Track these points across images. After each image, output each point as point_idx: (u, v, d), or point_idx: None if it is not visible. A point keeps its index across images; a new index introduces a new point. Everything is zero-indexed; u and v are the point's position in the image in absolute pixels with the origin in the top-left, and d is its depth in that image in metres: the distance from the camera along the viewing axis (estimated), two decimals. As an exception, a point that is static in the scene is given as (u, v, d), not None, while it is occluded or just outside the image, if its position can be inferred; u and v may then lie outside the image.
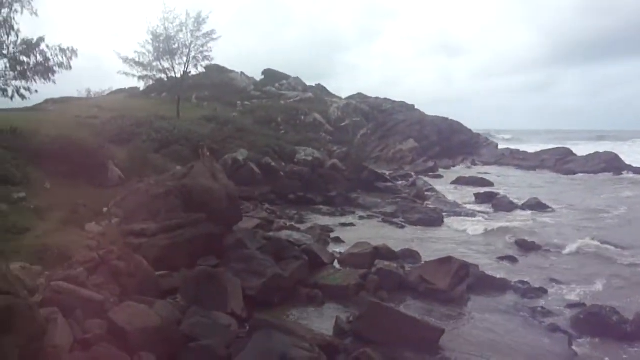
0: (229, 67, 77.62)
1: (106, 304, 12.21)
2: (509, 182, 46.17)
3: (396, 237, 23.66)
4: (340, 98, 79.64)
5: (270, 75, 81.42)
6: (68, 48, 27.51)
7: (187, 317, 12.54)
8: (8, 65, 26.35)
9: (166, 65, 47.21)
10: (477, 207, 32.39)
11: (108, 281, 13.90)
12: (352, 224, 26.76)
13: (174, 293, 14.59)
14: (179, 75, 48.28)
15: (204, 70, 58.52)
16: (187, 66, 47.95)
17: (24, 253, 14.72)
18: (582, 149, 68.60)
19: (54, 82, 27.59)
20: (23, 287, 10.47)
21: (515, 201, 33.00)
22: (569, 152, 64.09)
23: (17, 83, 26.83)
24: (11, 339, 8.98)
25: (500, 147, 76.64)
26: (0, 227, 16.34)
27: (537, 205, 31.98)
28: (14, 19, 25.97)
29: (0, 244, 14.81)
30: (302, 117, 60.55)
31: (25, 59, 26.48)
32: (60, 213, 19.04)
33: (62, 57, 27.22)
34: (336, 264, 18.97)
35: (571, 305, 15.29)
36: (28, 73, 26.57)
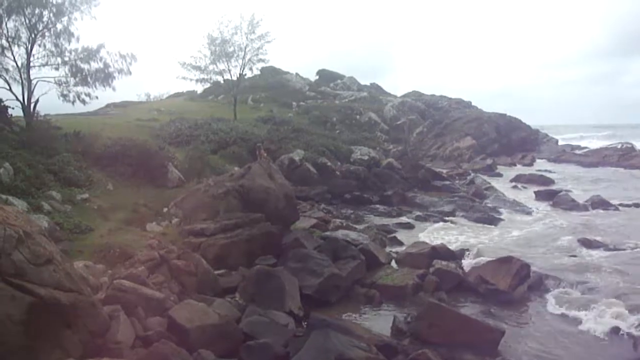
0: (284, 69, 78.46)
1: (166, 302, 12.47)
2: (570, 180, 44.75)
3: (454, 237, 23.31)
4: (395, 96, 79.19)
5: (325, 75, 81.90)
6: (127, 54, 28.09)
7: (246, 315, 12.71)
8: (69, 71, 26.97)
9: (222, 68, 48.12)
10: (538, 205, 31.54)
11: (168, 279, 14.24)
12: (408, 224, 26.44)
13: (232, 291, 14.80)
14: (235, 78, 49.07)
15: (259, 72, 59.20)
16: (243, 68, 48.76)
17: (88, 252, 15.22)
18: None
19: (113, 88, 28.18)
20: (87, 285, 10.79)
21: (577, 199, 31.99)
22: (632, 148, 61.80)
23: (78, 89, 27.48)
24: (75, 335, 9.26)
25: (560, 143, 74.66)
26: (65, 227, 16.91)
27: (600, 204, 30.81)
28: (73, 24, 26.66)
29: (65, 243, 15.31)
30: (357, 117, 60.48)
31: (85, 65, 27.06)
32: (122, 213, 19.57)
33: (122, 63, 27.77)
34: (393, 264, 18.83)
35: (636, 307, 14.69)
36: (89, 79, 27.16)
